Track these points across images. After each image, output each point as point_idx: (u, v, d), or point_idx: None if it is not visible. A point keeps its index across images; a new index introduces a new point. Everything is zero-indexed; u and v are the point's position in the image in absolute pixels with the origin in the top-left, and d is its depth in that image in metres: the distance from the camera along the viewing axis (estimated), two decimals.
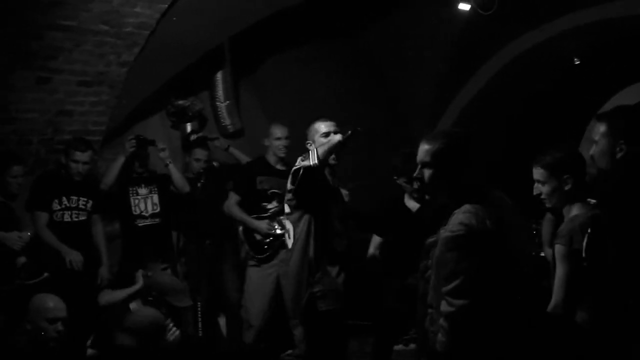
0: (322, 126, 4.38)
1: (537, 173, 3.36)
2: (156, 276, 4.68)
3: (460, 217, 2.63)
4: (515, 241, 2.73)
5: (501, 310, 2.60)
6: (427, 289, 2.81)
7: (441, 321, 2.62)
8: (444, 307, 2.60)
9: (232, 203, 5.79)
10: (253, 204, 5.72)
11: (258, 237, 5.68)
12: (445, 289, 2.60)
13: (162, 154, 5.81)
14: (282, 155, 5.77)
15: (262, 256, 5.68)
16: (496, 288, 2.60)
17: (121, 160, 5.65)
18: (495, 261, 2.60)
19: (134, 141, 5.66)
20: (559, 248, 3.08)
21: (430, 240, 2.78)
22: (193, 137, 6.19)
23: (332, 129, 4.33)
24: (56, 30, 4.94)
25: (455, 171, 2.73)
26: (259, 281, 5.69)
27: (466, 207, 2.66)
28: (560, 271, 3.05)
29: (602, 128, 2.92)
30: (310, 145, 4.34)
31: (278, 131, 5.81)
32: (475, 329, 2.58)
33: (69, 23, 4.94)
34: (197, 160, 6.06)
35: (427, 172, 2.78)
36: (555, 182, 3.25)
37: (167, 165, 5.83)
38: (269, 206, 5.68)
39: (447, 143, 2.77)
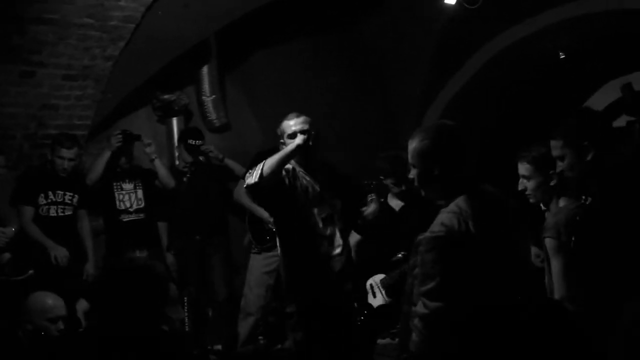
0: (291, 124, 4.13)
1: (523, 168, 3.38)
2: None
3: (443, 217, 2.58)
4: (502, 242, 2.67)
5: (477, 316, 2.55)
6: (414, 286, 2.79)
7: (415, 322, 2.59)
8: (419, 308, 2.57)
9: (241, 191, 5.61)
10: None
11: (265, 226, 5.65)
12: (421, 289, 2.56)
13: (147, 149, 5.79)
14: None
15: (262, 246, 5.73)
16: (474, 293, 2.54)
17: (107, 155, 5.62)
18: (475, 265, 2.54)
19: (120, 136, 5.63)
20: (549, 242, 3.09)
21: (420, 237, 2.75)
22: (191, 142, 6.10)
23: (299, 127, 4.08)
24: (40, 23, 4.90)
25: (443, 168, 2.65)
26: (259, 269, 5.74)
27: (451, 206, 2.60)
28: (556, 265, 3.05)
29: (559, 143, 2.96)
30: (283, 145, 4.17)
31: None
32: (448, 332, 2.54)
33: (53, 16, 4.90)
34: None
35: (414, 172, 2.74)
36: (541, 177, 3.27)
37: (152, 161, 5.81)
38: None
39: (430, 140, 2.69)
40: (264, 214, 5.53)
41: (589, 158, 2.88)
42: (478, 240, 2.54)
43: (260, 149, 5.91)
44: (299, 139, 3.99)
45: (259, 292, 5.74)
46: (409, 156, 2.74)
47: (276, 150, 5.58)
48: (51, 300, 3.89)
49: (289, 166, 4.11)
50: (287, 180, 4.09)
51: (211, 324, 6.14)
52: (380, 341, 4.96)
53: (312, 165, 4.21)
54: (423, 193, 2.76)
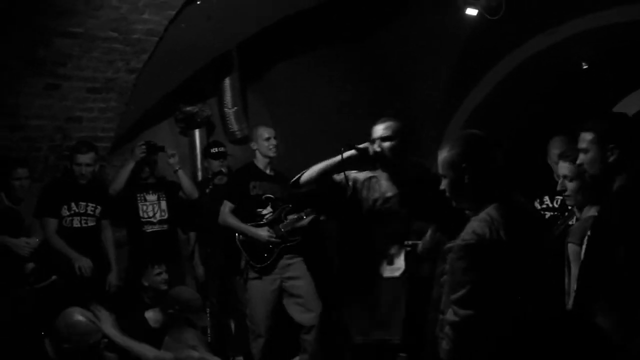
0: (378, 128, 3.98)
1: (566, 168, 3.33)
2: (180, 291, 4.64)
3: (474, 225, 2.58)
4: (532, 251, 2.66)
5: (507, 323, 2.55)
6: (441, 294, 2.79)
7: (446, 329, 2.59)
8: (450, 315, 2.58)
9: (226, 212, 5.50)
10: (248, 210, 5.53)
11: (260, 244, 5.44)
12: (452, 297, 2.57)
13: (171, 160, 5.82)
14: (273, 155, 5.58)
15: (262, 265, 5.45)
16: (505, 301, 2.55)
17: (130, 165, 5.67)
18: (506, 273, 2.54)
19: (144, 147, 5.68)
20: (572, 247, 3.08)
21: (449, 245, 2.74)
22: (214, 150, 6.15)
23: (380, 134, 3.94)
24: (65, 37, 4.97)
25: (474, 176, 2.67)
26: (260, 294, 5.49)
27: (482, 215, 2.61)
28: (576, 271, 3.05)
29: (588, 136, 2.91)
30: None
31: (265, 132, 5.62)
32: (479, 340, 2.54)
33: (78, 30, 4.98)
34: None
35: (444, 182, 2.75)
36: (584, 179, 3.22)
37: (176, 172, 5.84)
38: (264, 212, 5.55)
39: (460, 149, 2.71)
40: (260, 232, 5.40)
41: (610, 160, 2.85)
42: (509, 248, 2.54)
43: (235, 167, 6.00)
44: (354, 150, 3.89)
45: (265, 312, 5.47)
46: (439, 166, 2.76)
47: (252, 165, 5.67)
48: (85, 325, 3.83)
49: (365, 175, 4.02)
50: (348, 189, 3.98)
51: (234, 335, 6.13)
52: (401, 355, 4.92)
53: (397, 176, 4.00)
54: (454, 203, 2.77)
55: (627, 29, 6.61)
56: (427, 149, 7.73)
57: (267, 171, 5.65)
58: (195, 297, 4.61)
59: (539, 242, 2.71)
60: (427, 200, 3.79)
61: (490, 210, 2.61)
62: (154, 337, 4.35)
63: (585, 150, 2.92)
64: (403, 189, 3.98)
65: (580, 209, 3.41)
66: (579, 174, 3.30)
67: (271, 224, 5.50)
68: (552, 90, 7.73)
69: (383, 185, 4.01)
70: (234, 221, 5.47)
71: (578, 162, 2.97)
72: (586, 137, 2.91)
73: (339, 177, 4.02)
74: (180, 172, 5.85)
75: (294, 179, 4.02)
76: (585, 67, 7.38)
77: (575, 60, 7.37)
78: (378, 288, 3.95)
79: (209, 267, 6.00)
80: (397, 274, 3.96)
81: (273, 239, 5.40)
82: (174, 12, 5.25)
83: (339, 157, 3.89)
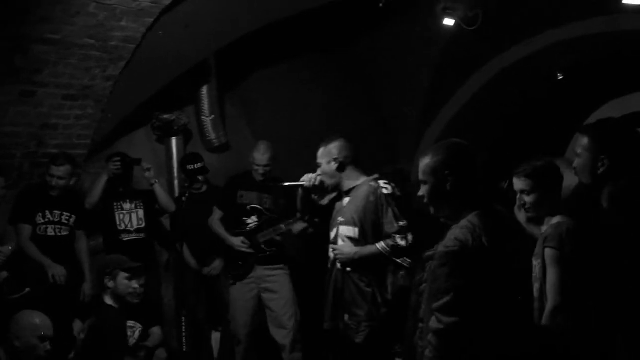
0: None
1: (521, 183, 3.37)
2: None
3: (456, 232, 2.59)
4: (512, 258, 2.67)
5: (491, 330, 2.56)
6: (419, 303, 2.78)
7: (429, 337, 2.58)
8: (433, 323, 2.56)
9: (214, 218, 5.75)
10: (234, 218, 5.68)
11: (235, 253, 5.61)
12: (435, 305, 2.56)
13: (147, 174, 5.75)
14: (261, 179, 5.67)
15: (235, 272, 5.64)
16: (488, 307, 2.55)
17: (104, 179, 5.61)
18: (489, 280, 2.55)
19: (118, 162, 5.62)
20: (550, 252, 3.09)
21: (428, 253, 2.75)
22: (190, 167, 6.08)
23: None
24: (41, 43, 4.92)
25: (455, 184, 2.68)
26: (239, 300, 5.64)
27: (463, 222, 2.61)
28: (553, 276, 3.06)
29: (584, 141, 2.92)
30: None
31: (258, 157, 5.65)
32: (463, 347, 2.54)
33: (55, 36, 4.92)
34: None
35: (423, 189, 2.75)
36: (542, 190, 3.26)
37: (152, 185, 5.78)
38: (248, 221, 5.62)
39: (443, 157, 2.72)
40: (233, 241, 5.57)
41: (600, 171, 2.86)
42: (491, 255, 2.55)
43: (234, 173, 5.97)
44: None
45: (244, 318, 5.62)
46: (420, 173, 2.76)
47: (248, 174, 5.78)
48: (39, 320, 3.89)
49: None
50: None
51: (221, 344, 6.10)
52: None
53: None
54: (432, 210, 2.77)
55: (602, 39, 6.69)
56: (404, 157, 7.79)
57: (262, 180, 5.68)
58: (124, 258, 4.63)
59: (518, 250, 2.72)
60: None
61: (471, 218, 2.62)
62: (121, 316, 4.42)
63: (579, 155, 2.93)
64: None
65: (539, 221, 3.43)
66: (534, 187, 3.32)
67: (252, 234, 5.55)
68: (529, 101, 7.81)
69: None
70: (217, 228, 5.71)
71: (573, 165, 2.99)
72: (581, 142, 2.93)
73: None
74: (157, 187, 5.79)
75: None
76: (560, 77, 7.47)
77: (551, 71, 7.46)
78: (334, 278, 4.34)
79: (185, 277, 5.96)
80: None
81: (244, 249, 5.51)
82: (151, 20, 5.22)
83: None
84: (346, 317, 4.24)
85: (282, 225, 5.45)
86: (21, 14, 4.70)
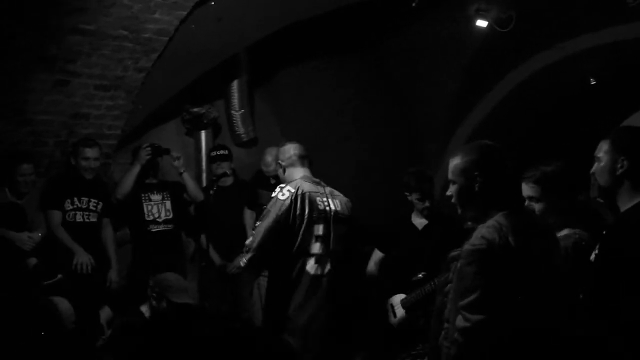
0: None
1: (529, 189, 3.27)
2: (162, 275, 4.65)
3: (483, 231, 2.58)
4: (541, 258, 2.65)
5: (519, 329, 2.55)
6: (444, 303, 2.77)
7: (456, 335, 2.57)
8: (459, 322, 2.55)
9: (245, 217, 5.96)
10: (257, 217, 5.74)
11: None
12: (461, 303, 2.55)
13: (176, 163, 5.82)
14: (273, 182, 5.71)
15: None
16: (515, 306, 2.54)
17: (136, 169, 5.67)
18: (516, 279, 2.54)
19: (149, 149, 5.68)
20: None
21: (453, 253, 2.74)
22: (213, 153, 6.17)
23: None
24: (76, 34, 4.98)
25: (484, 184, 2.68)
26: (257, 297, 5.78)
27: (490, 222, 2.61)
28: None
29: (605, 146, 2.90)
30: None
31: (267, 158, 5.87)
32: (488, 345, 2.53)
33: (89, 27, 4.98)
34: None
35: (452, 189, 2.76)
36: (551, 198, 3.22)
37: (181, 174, 5.84)
38: None
39: (473, 157, 2.72)
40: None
41: (618, 172, 2.84)
42: (518, 254, 2.54)
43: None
44: None
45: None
46: (449, 173, 2.77)
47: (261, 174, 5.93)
48: (61, 306, 3.94)
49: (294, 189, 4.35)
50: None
51: None
52: None
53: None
54: (459, 210, 2.77)
55: (636, 46, 6.61)
56: (430, 160, 7.76)
57: (272, 181, 5.74)
58: (176, 277, 4.57)
59: (547, 252, 2.70)
60: None
61: (498, 218, 2.61)
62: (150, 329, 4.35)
63: (599, 160, 2.91)
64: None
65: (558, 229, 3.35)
66: (542, 196, 3.26)
67: None
68: (560, 105, 7.73)
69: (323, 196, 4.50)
70: (245, 222, 5.96)
71: (591, 171, 2.97)
72: (602, 147, 2.91)
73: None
74: (185, 175, 5.85)
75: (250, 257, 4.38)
76: (593, 82, 7.38)
77: (583, 76, 7.37)
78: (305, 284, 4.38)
79: (209, 270, 6.00)
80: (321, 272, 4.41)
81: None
82: (185, 13, 5.26)
83: None
84: None
85: None
86: (57, 4, 4.76)
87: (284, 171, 4.56)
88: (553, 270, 2.68)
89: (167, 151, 5.80)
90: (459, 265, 2.61)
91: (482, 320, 2.50)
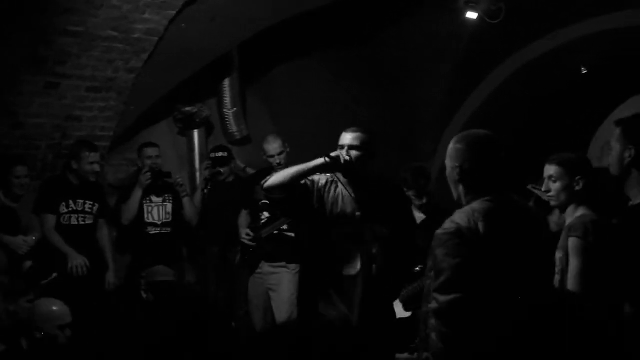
0: (346, 137, 4.13)
1: (551, 169, 3.40)
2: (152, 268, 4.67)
3: (455, 215, 2.65)
4: (518, 249, 2.67)
5: (490, 310, 2.57)
6: (430, 291, 2.81)
7: (431, 320, 2.60)
8: (432, 304, 2.59)
9: (241, 214, 5.79)
10: (252, 214, 5.69)
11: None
12: (434, 286, 2.60)
13: (179, 188, 5.79)
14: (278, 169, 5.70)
15: (240, 264, 5.75)
16: (485, 288, 2.56)
17: (139, 193, 5.65)
18: (483, 264, 2.57)
19: (149, 174, 5.65)
20: (574, 241, 3.11)
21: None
22: (213, 154, 6.14)
23: (348, 142, 4.08)
24: (65, 35, 4.96)
25: (463, 172, 2.73)
26: (253, 295, 5.64)
27: (466, 207, 2.68)
28: (575, 264, 3.07)
29: (616, 133, 2.91)
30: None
31: (270, 148, 5.63)
32: (464, 325, 2.56)
33: (78, 29, 4.97)
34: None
35: (447, 171, 2.83)
36: (568, 180, 3.29)
37: (183, 197, 5.80)
38: (262, 217, 5.62)
39: (457, 143, 2.77)
40: (240, 231, 5.60)
41: (626, 162, 2.84)
42: (486, 241, 2.58)
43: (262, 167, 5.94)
44: (326, 158, 3.97)
45: (258, 311, 5.60)
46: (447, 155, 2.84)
47: (268, 170, 5.59)
48: (57, 307, 3.89)
49: (325, 179, 4.12)
50: (314, 192, 4.10)
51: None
52: (399, 356, 4.93)
53: (357, 182, 4.14)
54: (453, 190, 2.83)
55: (627, 34, 6.62)
56: (425, 150, 7.77)
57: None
58: (164, 268, 4.58)
59: (530, 238, 2.71)
60: (385, 206, 4.12)
61: (475, 204, 2.67)
62: None
63: (612, 148, 2.92)
64: (362, 194, 4.13)
65: (563, 210, 3.45)
66: (562, 175, 3.36)
67: (259, 229, 5.56)
68: (552, 95, 7.75)
69: (342, 191, 4.14)
70: (239, 222, 5.71)
71: (610, 160, 2.98)
72: (614, 134, 2.92)
73: (305, 181, 4.13)
74: (186, 200, 5.81)
75: (263, 182, 4.10)
76: (584, 71, 7.40)
77: (575, 65, 7.39)
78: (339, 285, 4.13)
79: (205, 268, 6.00)
80: (353, 272, 4.12)
81: (246, 240, 5.54)
82: (174, 12, 5.24)
83: (312, 164, 3.99)
84: None
85: (284, 219, 5.45)
86: (45, 5, 4.75)
87: None
88: (531, 256, 2.69)
89: (168, 175, 5.77)
90: (432, 249, 2.67)
91: (451, 300, 2.53)
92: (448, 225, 2.62)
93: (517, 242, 2.66)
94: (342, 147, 4.07)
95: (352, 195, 4.13)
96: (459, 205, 2.80)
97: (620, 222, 2.92)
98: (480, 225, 2.59)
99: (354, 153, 4.04)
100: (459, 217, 2.63)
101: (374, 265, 4.15)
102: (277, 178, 4.05)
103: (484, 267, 2.57)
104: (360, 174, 4.12)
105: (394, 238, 4.18)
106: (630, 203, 2.89)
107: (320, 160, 3.98)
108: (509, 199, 2.76)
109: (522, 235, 2.69)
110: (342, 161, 4.00)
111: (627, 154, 2.84)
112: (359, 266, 4.16)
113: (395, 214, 4.23)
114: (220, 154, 6.05)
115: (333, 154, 4.01)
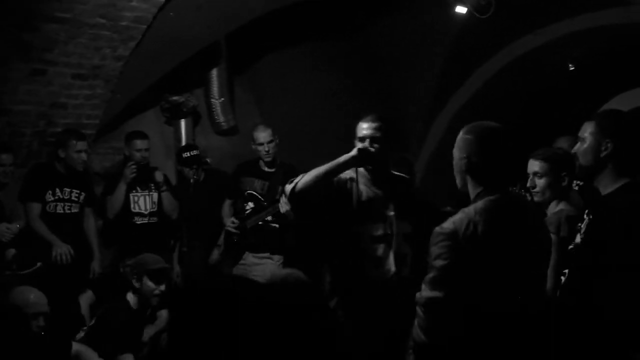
0: (364, 126, 3.79)
1: (536, 165, 3.42)
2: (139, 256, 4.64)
3: (456, 216, 2.65)
4: (516, 250, 2.67)
5: (474, 312, 2.60)
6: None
7: (417, 308, 2.67)
8: (419, 293, 2.66)
9: (224, 205, 5.80)
10: (238, 204, 5.73)
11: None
12: (425, 277, 2.66)
13: (160, 183, 5.75)
14: (269, 159, 5.66)
15: (224, 254, 5.74)
16: (473, 290, 2.59)
17: (123, 187, 5.62)
18: (477, 267, 2.59)
19: (134, 167, 5.61)
20: (550, 237, 3.14)
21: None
22: (185, 154, 6.00)
23: (370, 132, 3.74)
24: (52, 22, 4.91)
25: (468, 165, 2.73)
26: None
27: (469, 207, 2.67)
28: (552, 260, 3.08)
29: (590, 127, 2.92)
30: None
31: (260, 136, 5.62)
32: (444, 322, 2.61)
33: (65, 15, 4.92)
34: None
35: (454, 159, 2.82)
36: (553, 176, 3.31)
37: (162, 192, 5.78)
38: (247, 207, 5.63)
39: (464, 136, 2.78)
40: (226, 221, 5.59)
41: (602, 155, 2.85)
42: (483, 245, 2.59)
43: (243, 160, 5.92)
44: (355, 150, 3.66)
45: None
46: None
47: (254, 161, 5.67)
48: (33, 295, 3.82)
49: (349, 175, 3.80)
50: (343, 192, 3.78)
51: None
52: None
53: (379, 177, 3.84)
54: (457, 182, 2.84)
55: (615, 31, 6.65)
56: (414, 143, 7.78)
57: (265, 168, 5.69)
58: (151, 255, 4.51)
59: (529, 241, 2.72)
60: (407, 200, 3.94)
61: (479, 203, 2.67)
62: (135, 319, 4.33)
63: (583, 140, 2.93)
64: (385, 190, 3.86)
65: (546, 206, 3.49)
66: (547, 171, 3.41)
67: (245, 219, 5.57)
68: (539, 90, 7.77)
69: (364, 187, 3.85)
70: (222, 213, 5.75)
71: (573, 150, 3.00)
72: (587, 128, 2.93)
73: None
74: (165, 194, 5.78)
75: (290, 189, 3.69)
76: (572, 68, 7.42)
77: (563, 61, 7.41)
78: (368, 289, 3.80)
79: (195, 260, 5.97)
80: (386, 275, 3.87)
81: (231, 228, 5.54)
82: (162, 0, 5.21)
83: (341, 160, 3.67)
84: None
85: (270, 209, 5.44)
86: None
87: None
88: (529, 257, 2.71)
89: (152, 170, 5.74)
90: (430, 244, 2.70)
91: (435, 297, 2.59)
92: (447, 224, 2.64)
93: (514, 245, 2.67)
94: (362, 139, 3.76)
95: (377, 191, 3.84)
96: (448, 198, 2.81)
97: (592, 213, 2.93)
98: (480, 227, 2.59)
99: (377, 145, 3.74)
100: (459, 219, 2.63)
101: (405, 268, 4.04)
102: (306, 180, 3.67)
103: (474, 270, 2.59)
104: (385, 167, 3.87)
105: (416, 234, 4.08)
106: (602, 193, 2.91)
107: (348, 155, 3.67)
108: (512, 198, 2.78)
109: (521, 239, 2.70)
110: (366, 155, 3.68)
111: (603, 147, 2.85)
112: (393, 269, 3.92)
113: (413, 208, 4.03)
114: (193, 152, 5.89)
115: (360, 146, 3.72)
